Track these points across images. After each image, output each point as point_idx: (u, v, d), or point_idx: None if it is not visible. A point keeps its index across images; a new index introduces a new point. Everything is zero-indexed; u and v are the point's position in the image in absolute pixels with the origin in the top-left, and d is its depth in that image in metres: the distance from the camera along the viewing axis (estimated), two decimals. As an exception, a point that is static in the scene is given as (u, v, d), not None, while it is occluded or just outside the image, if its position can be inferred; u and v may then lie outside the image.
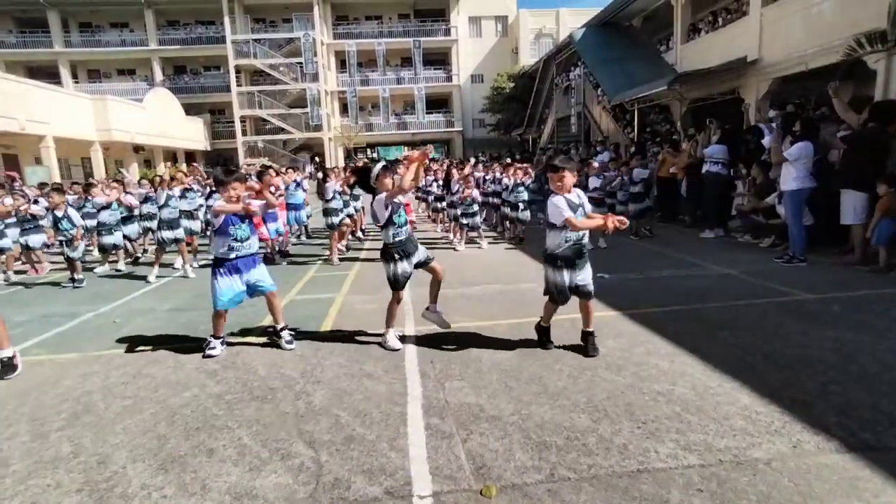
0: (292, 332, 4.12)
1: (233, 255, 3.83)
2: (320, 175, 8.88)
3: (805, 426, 2.55)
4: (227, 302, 3.82)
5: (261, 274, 3.98)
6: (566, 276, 3.49)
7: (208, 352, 3.88)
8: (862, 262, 5.80)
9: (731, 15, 13.61)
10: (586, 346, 3.64)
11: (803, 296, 4.78)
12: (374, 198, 3.80)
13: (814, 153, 6.00)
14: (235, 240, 3.82)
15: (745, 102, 10.10)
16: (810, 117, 7.38)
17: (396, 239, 3.80)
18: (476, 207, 8.40)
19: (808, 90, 10.55)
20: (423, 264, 3.95)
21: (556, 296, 3.56)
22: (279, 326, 4.03)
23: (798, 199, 6.04)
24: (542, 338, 3.79)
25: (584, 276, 3.54)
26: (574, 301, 3.62)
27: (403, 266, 3.82)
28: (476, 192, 8.41)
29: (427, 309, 4.11)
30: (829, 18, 9.68)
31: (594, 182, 8.31)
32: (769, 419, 2.63)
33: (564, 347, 3.73)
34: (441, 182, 10.43)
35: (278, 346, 3.99)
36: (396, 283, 3.84)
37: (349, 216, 8.68)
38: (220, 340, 3.98)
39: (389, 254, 3.82)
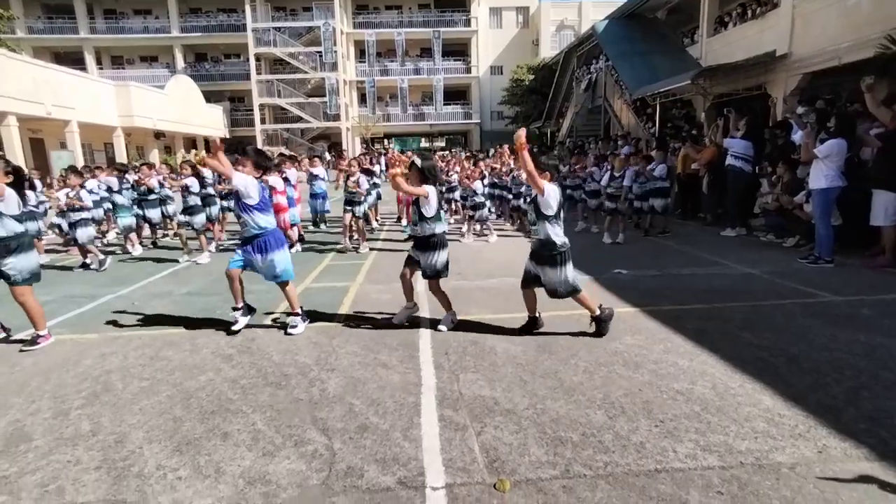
0: (302, 319, 4.14)
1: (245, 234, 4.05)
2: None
3: (832, 431, 2.46)
4: (233, 263, 4.06)
5: (270, 261, 4.01)
6: (528, 264, 3.87)
7: (233, 327, 4.10)
8: (893, 264, 5.60)
9: (762, 7, 13.18)
10: (597, 328, 3.85)
11: (830, 298, 4.63)
12: (431, 189, 3.99)
13: (846, 151, 5.79)
14: (244, 224, 4.02)
15: (773, 97, 9.80)
16: (846, 113, 7.10)
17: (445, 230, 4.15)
18: (480, 199, 8.24)
19: (838, 86, 10.19)
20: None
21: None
22: (292, 311, 4.13)
23: (827, 198, 5.85)
24: (528, 325, 3.96)
25: (547, 273, 3.71)
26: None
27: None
28: (479, 185, 8.25)
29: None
30: (865, 11, 9.30)
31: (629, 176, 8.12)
32: (793, 422, 2.55)
33: (581, 334, 3.68)
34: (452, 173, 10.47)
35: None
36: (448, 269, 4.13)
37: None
38: (241, 311, 4.14)
39: (444, 242, 4.10)
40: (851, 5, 9.63)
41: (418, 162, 4.01)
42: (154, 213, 8.35)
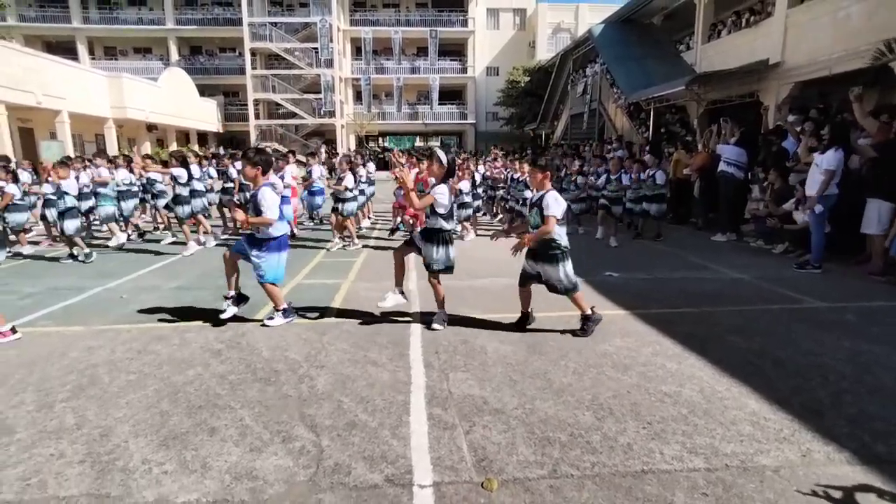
0: (284, 315, 4.15)
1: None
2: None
3: (815, 435, 2.49)
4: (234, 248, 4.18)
5: (256, 263, 4.07)
6: (525, 263, 3.93)
7: (221, 315, 4.14)
8: (880, 271, 5.68)
9: (756, 16, 13.32)
10: (582, 325, 3.93)
11: (817, 304, 4.69)
12: (440, 185, 3.94)
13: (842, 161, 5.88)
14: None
15: (765, 105, 9.90)
16: (842, 122, 7.17)
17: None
18: (467, 199, 8.18)
19: (829, 96, 10.34)
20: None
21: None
22: (275, 308, 4.18)
23: (824, 206, 5.92)
24: (520, 321, 4.05)
25: (547, 271, 3.80)
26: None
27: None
28: (465, 184, 8.13)
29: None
30: (857, 22, 9.44)
31: (625, 179, 8.15)
32: (778, 426, 2.58)
33: (567, 331, 3.70)
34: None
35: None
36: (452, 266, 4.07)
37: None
38: (231, 300, 4.18)
39: (450, 238, 4.04)
40: (842, 17, 9.77)
41: (443, 157, 3.95)
42: (127, 206, 8.47)
